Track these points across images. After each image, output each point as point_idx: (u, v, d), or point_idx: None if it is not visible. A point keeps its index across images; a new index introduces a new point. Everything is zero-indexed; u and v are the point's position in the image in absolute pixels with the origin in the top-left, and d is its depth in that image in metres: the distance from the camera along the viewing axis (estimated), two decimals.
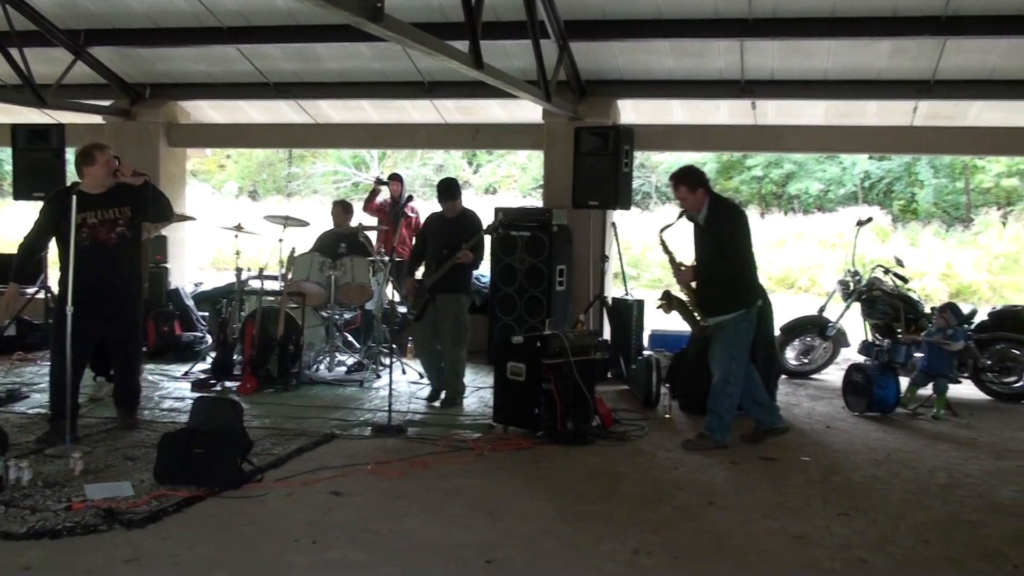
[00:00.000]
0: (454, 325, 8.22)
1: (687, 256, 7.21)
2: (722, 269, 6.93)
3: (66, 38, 10.73)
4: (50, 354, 7.00)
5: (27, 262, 7.06)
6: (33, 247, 6.92)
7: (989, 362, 9.16)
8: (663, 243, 7.28)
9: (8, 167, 18.62)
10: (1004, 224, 22.09)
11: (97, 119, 12.20)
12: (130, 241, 6.86)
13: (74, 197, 6.39)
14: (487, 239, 8.44)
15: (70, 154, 11.18)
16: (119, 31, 10.80)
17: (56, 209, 6.68)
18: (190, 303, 11.25)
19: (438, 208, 8.42)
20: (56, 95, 11.03)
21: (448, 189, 8.32)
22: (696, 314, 7.14)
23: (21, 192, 11.03)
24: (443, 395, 8.33)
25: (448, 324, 8.21)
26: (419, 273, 8.43)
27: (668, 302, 7.30)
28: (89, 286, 6.53)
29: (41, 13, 10.33)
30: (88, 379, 8.41)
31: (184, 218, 10.04)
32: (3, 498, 5.39)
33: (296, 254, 9.45)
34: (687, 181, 6.99)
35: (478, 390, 8.93)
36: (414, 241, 9.40)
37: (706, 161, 26.21)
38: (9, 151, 11.50)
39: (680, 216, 7.17)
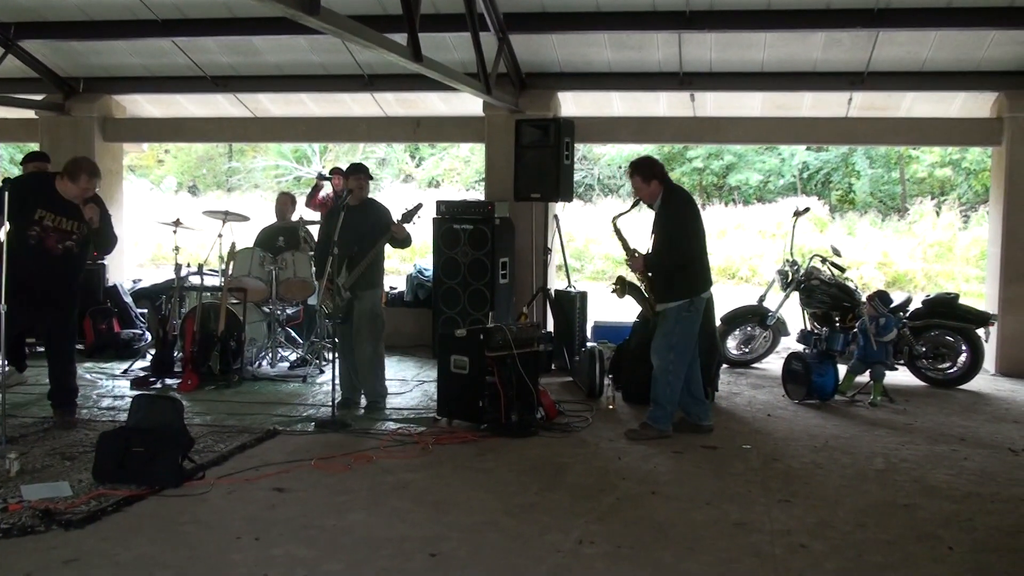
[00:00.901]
0: (372, 322, 7.85)
1: (643, 245, 7.26)
2: (667, 258, 6.99)
3: None
4: None
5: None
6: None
7: (924, 349, 9.35)
8: (617, 230, 7.36)
9: None
10: (938, 213, 22.55)
11: (30, 114, 11.95)
12: (75, 256, 6.90)
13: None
14: (415, 224, 8.06)
15: (3, 149, 11.01)
16: (51, 24, 10.58)
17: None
18: (128, 300, 11.07)
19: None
20: None
21: (354, 167, 7.98)
22: (649, 296, 7.20)
23: None
24: (363, 401, 7.99)
25: (366, 321, 7.82)
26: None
27: (622, 287, 7.38)
28: (23, 281, 6.56)
29: None
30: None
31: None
32: None
33: (236, 249, 9.35)
34: (641, 172, 7.06)
35: (422, 384, 8.93)
36: (316, 239, 9.02)
37: (648, 152, 26.38)
38: None
39: (635, 205, 7.29)
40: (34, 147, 12.21)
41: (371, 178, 8.08)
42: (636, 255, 7.21)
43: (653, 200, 7.08)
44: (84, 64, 11.66)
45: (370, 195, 8.06)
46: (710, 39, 9.82)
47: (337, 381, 7.67)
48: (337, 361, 7.73)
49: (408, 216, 7.73)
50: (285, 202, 10.45)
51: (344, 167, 12.26)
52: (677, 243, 6.97)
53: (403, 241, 7.78)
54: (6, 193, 6.52)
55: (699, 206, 7.28)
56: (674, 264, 6.99)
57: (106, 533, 4.94)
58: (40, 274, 6.70)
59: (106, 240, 7.15)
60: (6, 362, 6.81)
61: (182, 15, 10.18)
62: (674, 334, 6.98)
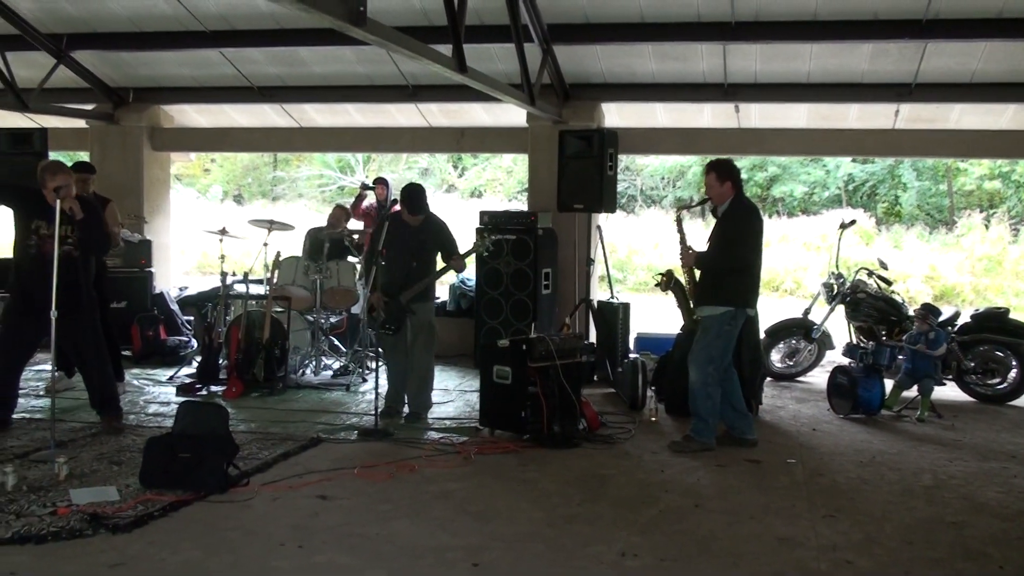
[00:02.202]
0: (428, 334, 7.92)
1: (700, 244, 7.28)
2: (720, 260, 6.96)
3: (48, 42, 10.68)
4: None
5: None
6: None
7: (972, 364, 9.22)
8: (678, 219, 7.39)
9: None
10: (987, 227, 22.24)
11: (80, 123, 12.17)
12: (75, 260, 6.99)
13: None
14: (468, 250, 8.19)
15: (53, 158, 11.20)
16: (101, 35, 10.77)
17: (20, 195, 7.13)
18: (175, 307, 11.22)
19: None
20: (38, 99, 10.99)
21: (415, 201, 7.77)
22: (691, 302, 7.18)
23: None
24: (406, 410, 8.00)
25: (423, 334, 7.90)
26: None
27: (668, 280, 7.38)
28: (31, 292, 6.89)
29: (23, 17, 10.28)
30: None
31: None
32: None
33: (281, 258, 9.44)
34: (718, 170, 7.06)
35: (464, 393, 8.94)
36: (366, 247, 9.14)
37: (691, 164, 26.31)
38: None
39: (702, 201, 7.30)
40: (84, 156, 12.44)
41: (426, 210, 7.90)
42: (690, 250, 7.19)
43: (722, 202, 7.05)
44: (133, 74, 11.85)
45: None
46: (755, 50, 9.77)
47: (382, 390, 7.71)
48: (382, 370, 7.76)
49: (472, 251, 7.94)
50: (339, 214, 10.55)
51: (387, 177, 12.43)
52: (733, 247, 6.92)
53: (460, 270, 8.03)
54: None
55: (763, 224, 7.24)
56: (726, 267, 6.94)
57: (152, 538, 5.00)
58: (45, 277, 6.65)
59: (91, 238, 7.12)
60: (55, 367, 6.93)
61: (230, 26, 10.31)
62: (714, 347, 6.94)
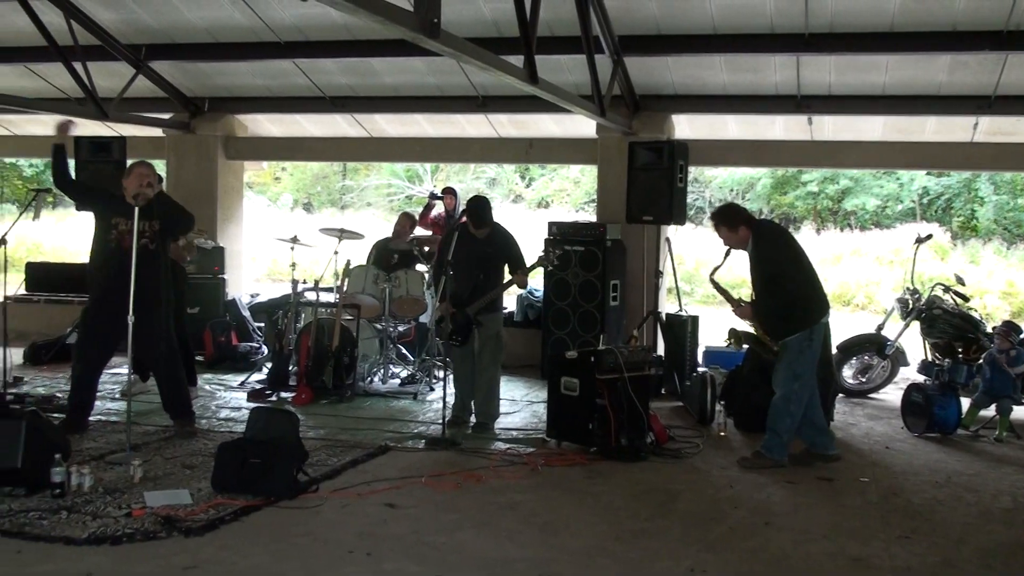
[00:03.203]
0: (495, 345, 7.99)
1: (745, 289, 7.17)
2: (776, 297, 6.86)
3: (128, 52, 10.93)
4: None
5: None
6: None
7: None
8: (715, 284, 7.31)
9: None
10: None
11: (157, 132, 12.42)
12: (152, 253, 7.08)
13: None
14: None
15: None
16: (179, 46, 11.00)
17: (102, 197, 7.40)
18: (247, 314, 11.38)
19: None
20: (118, 108, 11.23)
21: (480, 215, 7.84)
22: (767, 342, 7.08)
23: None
24: (474, 420, 8.04)
25: (490, 345, 7.96)
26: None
27: (736, 339, 7.31)
28: (108, 288, 7.03)
29: (104, 28, 10.54)
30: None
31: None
32: (65, 503, 5.51)
33: (351, 267, 9.53)
34: (726, 222, 6.96)
35: (531, 404, 8.94)
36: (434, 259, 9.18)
37: (760, 176, 26.08)
38: (72, 162, 11.72)
39: (727, 255, 7.13)
40: (161, 164, 12.69)
41: (491, 223, 7.96)
42: (742, 304, 7.13)
43: (745, 245, 6.96)
44: (209, 84, 12.07)
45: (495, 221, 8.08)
46: (829, 62, 9.64)
47: (449, 399, 7.74)
48: (449, 380, 7.81)
49: (537, 265, 7.96)
50: (405, 223, 10.63)
51: (456, 187, 12.50)
52: (775, 282, 6.82)
53: (521, 288, 8.04)
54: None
55: (804, 232, 7.12)
56: (783, 301, 6.83)
57: (224, 541, 5.07)
58: (123, 273, 6.77)
59: (173, 220, 7.33)
60: (131, 371, 7.09)
61: (304, 37, 10.46)
62: (798, 363, 6.82)
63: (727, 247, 7.09)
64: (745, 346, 7.35)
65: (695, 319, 9.91)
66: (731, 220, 6.94)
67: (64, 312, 11.74)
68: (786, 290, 6.81)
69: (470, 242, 7.86)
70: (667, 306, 10.98)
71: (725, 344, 7.47)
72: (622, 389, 7.08)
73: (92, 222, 7.35)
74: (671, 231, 10.72)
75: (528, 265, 7.89)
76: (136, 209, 6.53)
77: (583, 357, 7.24)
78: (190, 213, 7.65)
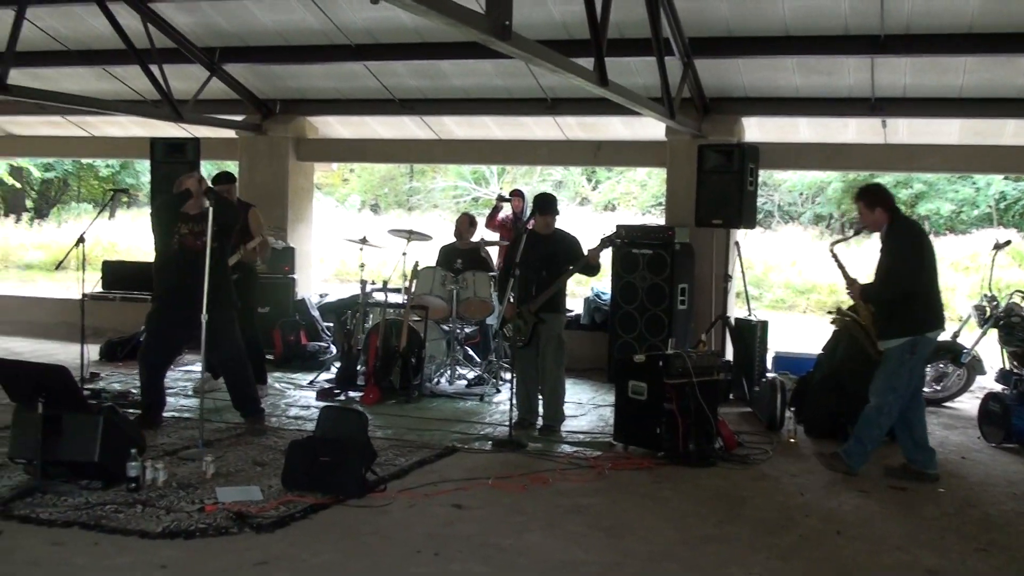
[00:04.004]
0: (557, 346, 7.99)
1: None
2: (886, 289, 6.71)
3: (202, 55, 11.13)
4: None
5: None
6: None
7: None
8: (834, 256, 7.15)
9: (146, 178, 19.30)
10: None
11: (230, 133, 12.62)
12: (215, 251, 7.11)
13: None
14: (608, 251, 8.22)
15: (205, 167, 11.69)
16: (252, 48, 11.17)
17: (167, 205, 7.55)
18: (316, 314, 11.51)
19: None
20: (192, 110, 11.44)
21: (548, 204, 8.08)
22: (870, 333, 6.92)
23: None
24: (540, 422, 8.07)
25: (552, 345, 7.97)
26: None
27: (840, 317, 7.20)
28: (172, 288, 7.34)
29: (179, 31, 10.75)
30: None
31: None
32: (140, 497, 5.63)
33: (420, 268, 9.59)
34: (865, 198, 6.81)
35: (598, 408, 8.92)
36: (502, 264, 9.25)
37: (831, 180, 25.70)
38: (147, 163, 11.98)
39: (857, 232, 7.10)
40: (234, 165, 12.92)
41: (558, 213, 8.14)
42: (855, 283, 6.97)
43: (878, 228, 6.80)
44: (281, 87, 12.24)
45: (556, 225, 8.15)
46: (905, 64, 9.48)
47: (515, 401, 7.76)
48: (515, 381, 7.83)
49: (606, 243, 7.93)
50: (464, 223, 10.62)
51: (523, 189, 12.51)
52: (896, 275, 6.64)
53: (594, 268, 7.95)
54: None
55: (930, 240, 6.97)
56: (893, 296, 6.66)
57: (294, 538, 5.14)
58: (186, 270, 7.08)
59: (224, 214, 7.31)
60: (204, 368, 7.22)
61: (374, 40, 10.56)
62: (897, 376, 6.63)
63: (859, 226, 7.08)
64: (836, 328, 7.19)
65: (764, 324, 9.80)
66: (870, 199, 6.80)
67: (139, 310, 11.83)
68: (900, 287, 6.63)
69: (536, 243, 7.90)
70: (736, 311, 10.88)
71: (829, 320, 7.33)
72: (690, 394, 7.02)
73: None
74: (740, 235, 10.62)
75: (601, 241, 7.90)
76: (211, 216, 6.78)
77: (651, 361, 7.20)
78: (235, 208, 7.87)
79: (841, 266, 7.11)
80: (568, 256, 7.92)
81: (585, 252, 7.93)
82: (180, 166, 11.13)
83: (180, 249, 7.30)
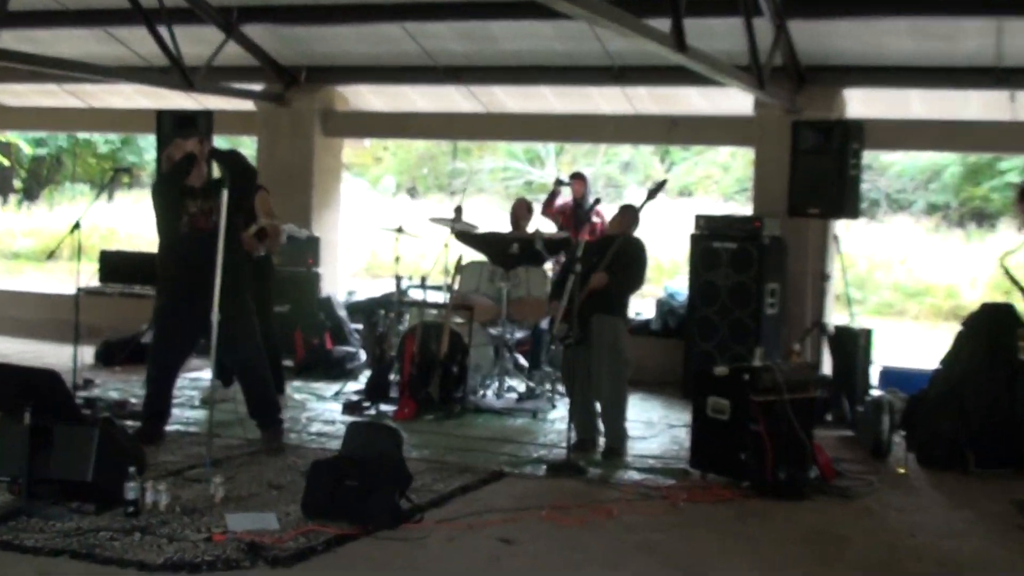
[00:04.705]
0: (613, 355, 7.94)
1: None
2: None
3: (218, 16, 11.19)
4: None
5: None
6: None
7: None
8: (1005, 270, 7.06)
9: (151, 156, 19.39)
10: None
11: (248, 105, 12.69)
12: (230, 229, 7.10)
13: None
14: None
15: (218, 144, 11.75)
16: (274, 8, 11.23)
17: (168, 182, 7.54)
18: (343, 314, 11.53)
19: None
20: (205, 78, 11.49)
21: (635, 217, 8.28)
22: None
23: None
24: (602, 444, 8.05)
25: (608, 357, 7.92)
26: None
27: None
28: (181, 277, 7.40)
29: None
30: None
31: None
32: (139, 524, 5.66)
33: (464, 262, 9.57)
34: None
35: (671, 428, 8.87)
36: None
37: (948, 163, 25.33)
38: (153, 139, 12.06)
39: None
40: (250, 142, 13.00)
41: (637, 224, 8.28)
42: None
43: None
44: (307, 52, 12.29)
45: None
46: None
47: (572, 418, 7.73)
48: (567, 391, 7.82)
49: (652, 194, 8.02)
50: (522, 209, 10.62)
51: (585, 172, 12.46)
52: None
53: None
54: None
55: (1001, 227, 6.92)
56: None
57: (315, 574, 5.13)
58: (199, 254, 7.04)
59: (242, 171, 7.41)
60: (214, 375, 7.25)
61: None
62: None
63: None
64: None
65: (868, 332, 9.68)
66: None
67: (140, 307, 12.05)
68: None
69: (601, 241, 7.96)
70: (835, 316, 10.75)
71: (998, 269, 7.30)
72: (781, 413, 6.93)
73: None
74: (840, 227, 10.49)
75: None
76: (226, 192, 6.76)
77: (735, 374, 7.13)
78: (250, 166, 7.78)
79: (1013, 279, 7.01)
80: (626, 262, 7.96)
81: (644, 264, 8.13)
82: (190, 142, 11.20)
83: (190, 231, 7.31)
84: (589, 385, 8.00)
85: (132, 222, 23.58)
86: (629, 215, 8.28)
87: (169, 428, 7.83)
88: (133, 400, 8.75)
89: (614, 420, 8.01)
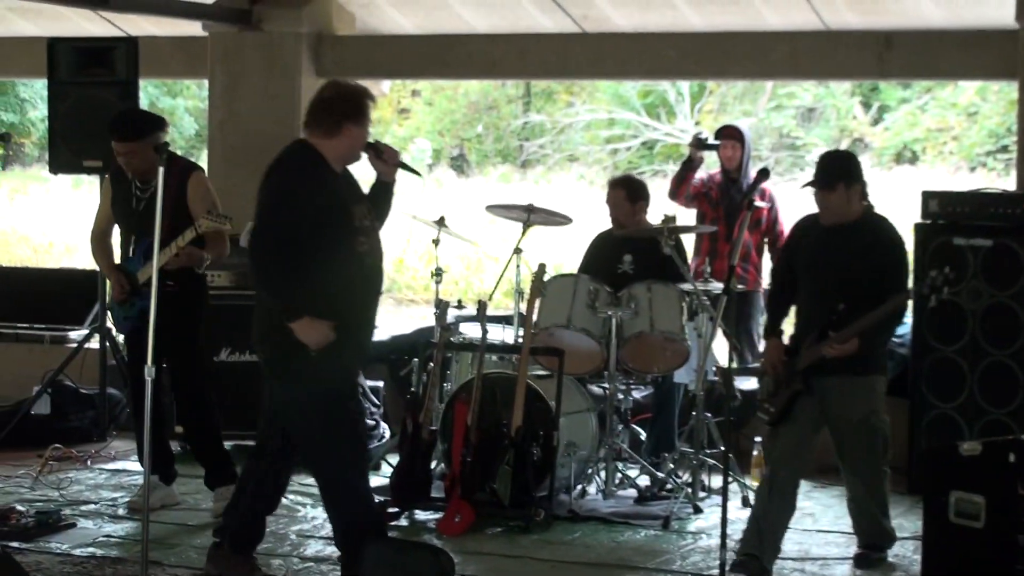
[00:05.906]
0: (867, 436, 8.01)
1: None
2: None
3: None
4: None
5: None
6: None
7: None
8: None
9: (39, 113, 19.64)
10: None
11: (195, 28, 12.78)
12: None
13: None
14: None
15: (146, 92, 11.82)
16: None
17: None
18: None
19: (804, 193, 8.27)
20: None
21: (839, 167, 8.12)
22: None
23: (63, 158, 11.51)
24: (856, 547, 8.27)
25: (853, 436, 8.00)
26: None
27: None
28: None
29: None
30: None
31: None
32: None
33: (547, 276, 9.60)
34: None
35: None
36: (773, 265, 9.30)
37: None
38: (43, 84, 12.13)
39: None
40: (196, 85, 13.16)
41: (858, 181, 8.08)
42: None
43: None
44: None
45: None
46: None
47: (735, 528, 7.76)
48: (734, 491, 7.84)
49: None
50: (620, 197, 10.46)
51: (741, 126, 12.43)
52: None
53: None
54: None
55: None
56: None
57: None
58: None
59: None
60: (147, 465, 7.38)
61: None
62: None
63: None
64: None
65: None
66: None
67: (31, 356, 12.18)
68: None
69: (823, 241, 7.99)
70: None
71: None
72: None
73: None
74: None
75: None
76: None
77: (993, 453, 7.12)
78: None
79: None
80: (882, 268, 7.95)
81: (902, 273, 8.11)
82: (102, 90, 11.20)
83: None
84: (792, 477, 8.05)
85: (14, 218, 23.84)
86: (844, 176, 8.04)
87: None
88: (19, 506, 8.83)
89: (881, 518, 8.20)
